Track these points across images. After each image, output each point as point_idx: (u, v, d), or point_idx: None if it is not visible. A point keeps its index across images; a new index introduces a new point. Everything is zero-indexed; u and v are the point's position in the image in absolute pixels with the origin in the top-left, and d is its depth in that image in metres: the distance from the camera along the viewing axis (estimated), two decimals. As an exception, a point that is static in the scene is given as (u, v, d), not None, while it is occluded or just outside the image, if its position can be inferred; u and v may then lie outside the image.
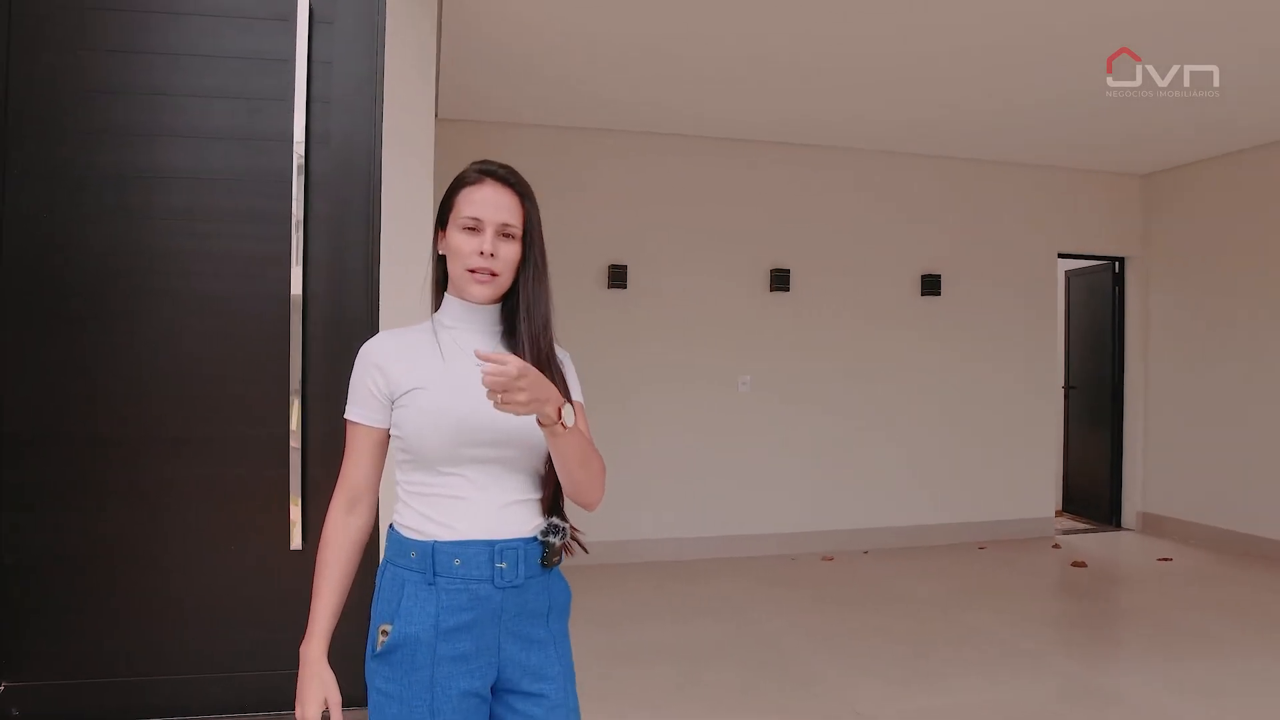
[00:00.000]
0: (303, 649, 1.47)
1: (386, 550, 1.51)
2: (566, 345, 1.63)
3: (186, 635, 2.98)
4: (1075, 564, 5.77)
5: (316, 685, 1.46)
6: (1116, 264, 7.03)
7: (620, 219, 5.76)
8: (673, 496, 5.80)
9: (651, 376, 5.77)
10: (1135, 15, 3.79)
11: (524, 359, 1.44)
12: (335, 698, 1.47)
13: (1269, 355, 5.91)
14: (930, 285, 6.27)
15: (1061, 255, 6.80)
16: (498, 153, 1.73)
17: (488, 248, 1.48)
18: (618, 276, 5.63)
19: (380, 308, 3.10)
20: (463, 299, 1.54)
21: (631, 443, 5.69)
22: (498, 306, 1.56)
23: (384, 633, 1.44)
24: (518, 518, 1.50)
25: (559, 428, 1.38)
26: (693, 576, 5.43)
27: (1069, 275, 7.38)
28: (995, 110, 5.28)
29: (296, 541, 3.02)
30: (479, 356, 1.28)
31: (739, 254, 5.96)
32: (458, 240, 1.50)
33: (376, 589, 1.49)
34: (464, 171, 1.55)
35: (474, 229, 1.50)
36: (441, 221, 1.56)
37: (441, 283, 1.60)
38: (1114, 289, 7.04)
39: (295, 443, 3.02)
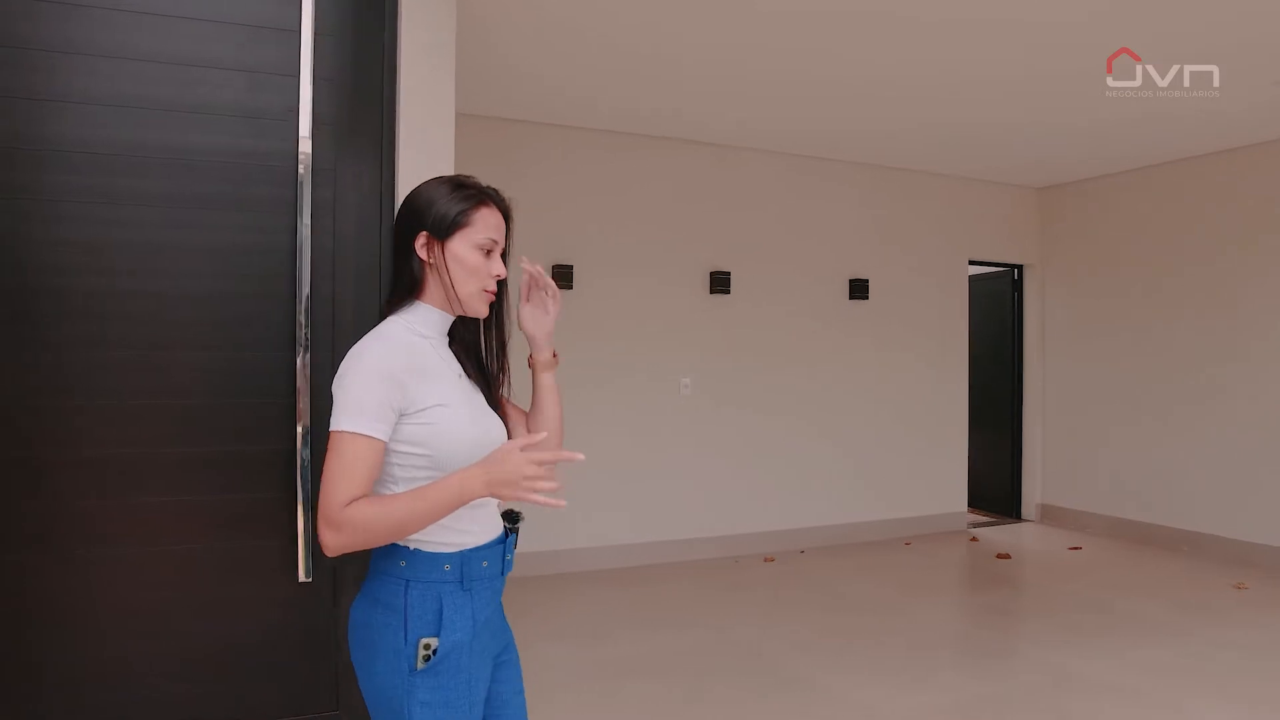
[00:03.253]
0: (468, 479, 1.44)
1: (409, 570, 1.51)
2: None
3: (167, 699, 2.61)
4: (999, 556, 6.06)
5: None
6: (1015, 271, 7.46)
7: (564, 216, 5.57)
8: (616, 502, 5.67)
9: (597, 380, 5.62)
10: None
11: (498, 361, 1.71)
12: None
13: (1156, 356, 6.42)
14: (858, 289, 6.44)
15: (972, 262, 7.14)
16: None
17: (501, 270, 1.59)
18: (563, 276, 5.45)
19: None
20: (456, 313, 1.61)
21: (578, 448, 5.51)
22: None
23: (428, 647, 1.47)
24: (498, 512, 1.65)
25: None
26: (641, 584, 5.32)
27: (970, 281, 7.75)
28: (929, 124, 5.47)
29: (304, 572, 2.71)
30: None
31: (681, 255, 5.91)
32: (473, 258, 1.55)
33: (404, 609, 1.49)
34: (466, 185, 1.59)
35: (490, 251, 1.57)
36: (441, 231, 1.55)
37: (410, 287, 1.60)
38: (1013, 294, 7.46)
39: (303, 456, 2.71)
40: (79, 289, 2.54)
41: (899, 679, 3.77)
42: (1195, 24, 3.82)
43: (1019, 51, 4.21)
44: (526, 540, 5.47)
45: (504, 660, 1.66)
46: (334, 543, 1.42)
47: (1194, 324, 6.19)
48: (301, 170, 2.76)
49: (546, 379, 1.78)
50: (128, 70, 2.58)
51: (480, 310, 1.60)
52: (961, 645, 4.25)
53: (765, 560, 5.89)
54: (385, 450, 1.47)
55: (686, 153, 5.92)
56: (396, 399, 1.45)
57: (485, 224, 1.57)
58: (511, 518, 1.68)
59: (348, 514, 1.39)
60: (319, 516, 1.44)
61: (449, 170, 2.95)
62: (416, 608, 1.49)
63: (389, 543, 1.47)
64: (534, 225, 5.43)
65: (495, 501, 1.60)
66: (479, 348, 1.70)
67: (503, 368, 1.73)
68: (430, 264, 1.56)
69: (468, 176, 1.62)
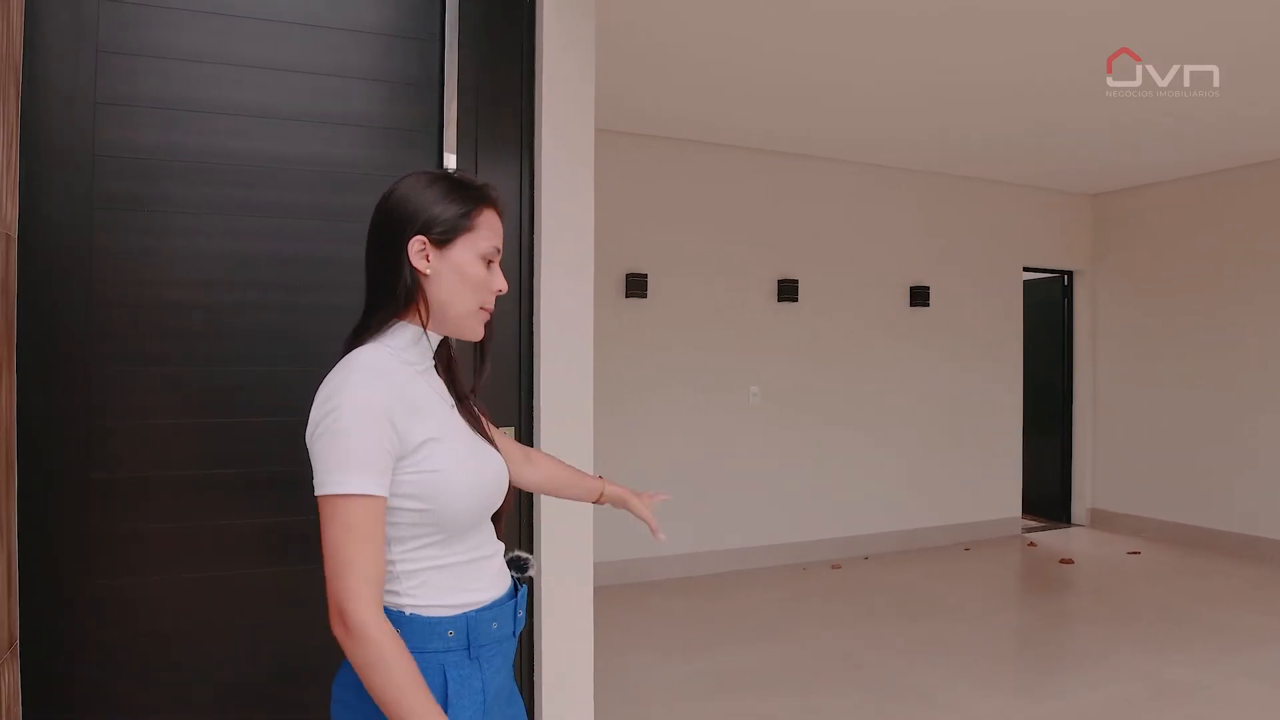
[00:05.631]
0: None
1: (405, 641, 1.24)
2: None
3: None
4: (1063, 561, 6.06)
5: None
6: (1065, 277, 7.47)
7: (637, 225, 5.56)
8: (685, 510, 5.65)
9: (668, 388, 5.61)
10: (1134, 24, 3.82)
11: (475, 392, 1.47)
12: None
13: (1205, 362, 6.44)
14: (919, 296, 6.44)
15: (1026, 269, 7.16)
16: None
17: (504, 285, 1.36)
18: (638, 285, 5.43)
19: (539, 344, 2.78)
20: (443, 334, 1.37)
21: (647, 456, 5.52)
22: None
23: None
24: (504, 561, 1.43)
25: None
26: (715, 593, 5.30)
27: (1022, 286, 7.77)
28: (985, 130, 5.47)
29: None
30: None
31: (750, 264, 5.91)
32: (476, 270, 1.32)
33: None
34: (466, 184, 1.34)
35: (493, 261, 1.35)
36: (442, 235, 1.30)
37: (404, 302, 1.32)
38: (1064, 300, 7.48)
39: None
40: (211, 303, 2.47)
41: (1009, 688, 3.76)
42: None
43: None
44: (595, 550, 5.45)
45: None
46: (355, 654, 1.14)
47: (1247, 329, 6.21)
48: (448, 181, 2.73)
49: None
50: (258, 80, 2.52)
51: (475, 332, 1.36)
52: (1056, 652, 4.24)
53: (833, 567, 5.88)
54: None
55: (753, 161, 5.92)
56: (394, 444, 1.20)
57: (490, 229, 1.33)
58: (519, 565, 1.44)
59: (380, 630, 1.14)
60: (336, 607, 1.15)
61: (591, 177, 2.93)
62: None
63: (369, 691, 1.15)
64: (608, 233, 5.41)
65: (501, 549, 1.40)
66: (453, 372, 1.45)
67: (475, 389, 1.47)
68: (427, 276, 1.30)
69: (461, 172, 1.39)
